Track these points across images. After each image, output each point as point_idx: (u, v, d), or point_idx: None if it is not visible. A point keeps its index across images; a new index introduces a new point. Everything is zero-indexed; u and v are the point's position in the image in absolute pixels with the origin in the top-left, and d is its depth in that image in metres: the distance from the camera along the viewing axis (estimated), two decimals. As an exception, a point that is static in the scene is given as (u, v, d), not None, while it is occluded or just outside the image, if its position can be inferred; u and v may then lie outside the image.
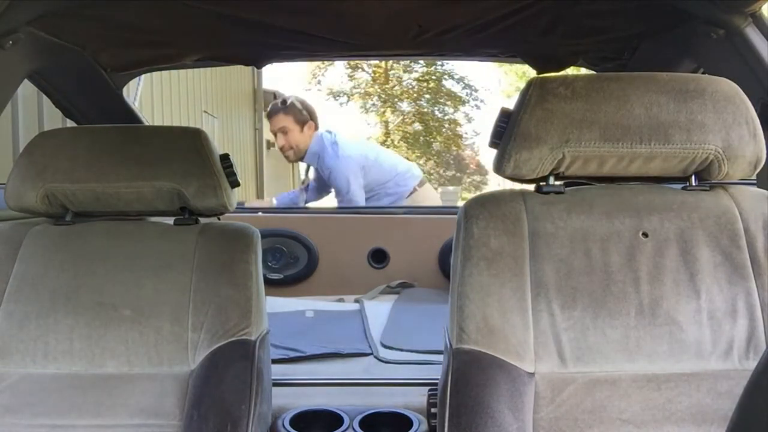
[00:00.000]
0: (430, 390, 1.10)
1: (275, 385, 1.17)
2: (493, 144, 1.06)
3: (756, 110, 1.01)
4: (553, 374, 0.94)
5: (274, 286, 2.12)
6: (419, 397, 1.23)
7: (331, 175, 2.68)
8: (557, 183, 1.06)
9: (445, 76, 18.04)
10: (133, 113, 1.89)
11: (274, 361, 1.23)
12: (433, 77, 18.14)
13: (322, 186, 2.82)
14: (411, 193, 2.77)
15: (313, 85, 18.05)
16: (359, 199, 2.68)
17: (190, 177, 1.11)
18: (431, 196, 2.98)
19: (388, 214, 2.28)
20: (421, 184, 2.83)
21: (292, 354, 1.46)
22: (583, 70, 1.76)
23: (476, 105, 18.11)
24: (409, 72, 17.91)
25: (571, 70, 1.72)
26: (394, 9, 1.38)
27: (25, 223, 1.17)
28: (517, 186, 1.11)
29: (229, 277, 1.09)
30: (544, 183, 1.06)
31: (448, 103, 18.34)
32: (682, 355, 0.95)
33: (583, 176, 1.07)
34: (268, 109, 2.80)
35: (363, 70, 17.79)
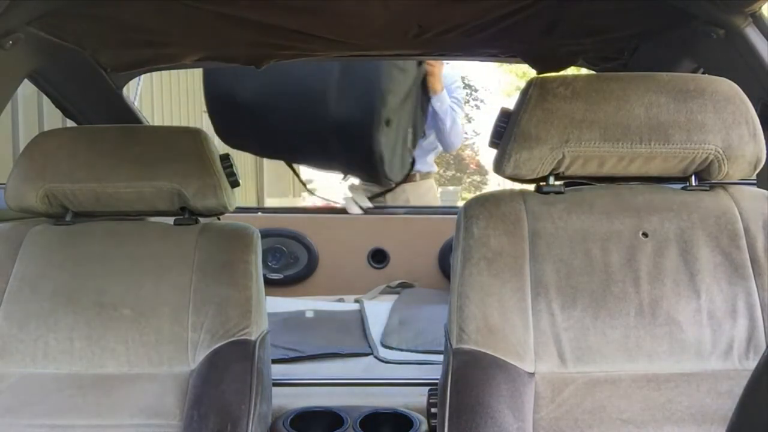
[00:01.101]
0: (430, 390, 1.10)
1: (275, 385, 1.17)
2: (493, 144, 1.06)
3: (756, 110, 1.01)
4: (553, 374, 0.94)
5: (274, 286, 2.11)
6: (419, 397, 1.23)
7: (456, 88, 2.65)
8: (557, 183, 1.06)
9: (446, 76, 17.96)
10: (133, 113, 1.89)
11: (274, 361, 1.23)
12: (434, 77, 18.04)
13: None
14: (425, 177, 2.68)
15: (314, 85, 17.95)
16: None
17: (190, 177, 1.12)
18: (433, 195, 2.91)
19: (388, 214, 2.28)
20: (431, 176, 2.78)
21: (292, 354, 1.46)
22: (583, 70, 1.76)
23: (476, 105, 18.03)
24: (409, 72, 17.81)
25: (571, 70, 1.72)
26: (394, 9, 1.38)
27: (25, 223, 1.17)
28: (517, 186, 1.11)
29: (229, 277, 1.09)
30: (544, 183, 1.06)
31: (448, 102, 18.25)
32: (682, 355, 0.95)
33: (583, 176, 1.07)
34: None
35: (363, 69, 17.69)
